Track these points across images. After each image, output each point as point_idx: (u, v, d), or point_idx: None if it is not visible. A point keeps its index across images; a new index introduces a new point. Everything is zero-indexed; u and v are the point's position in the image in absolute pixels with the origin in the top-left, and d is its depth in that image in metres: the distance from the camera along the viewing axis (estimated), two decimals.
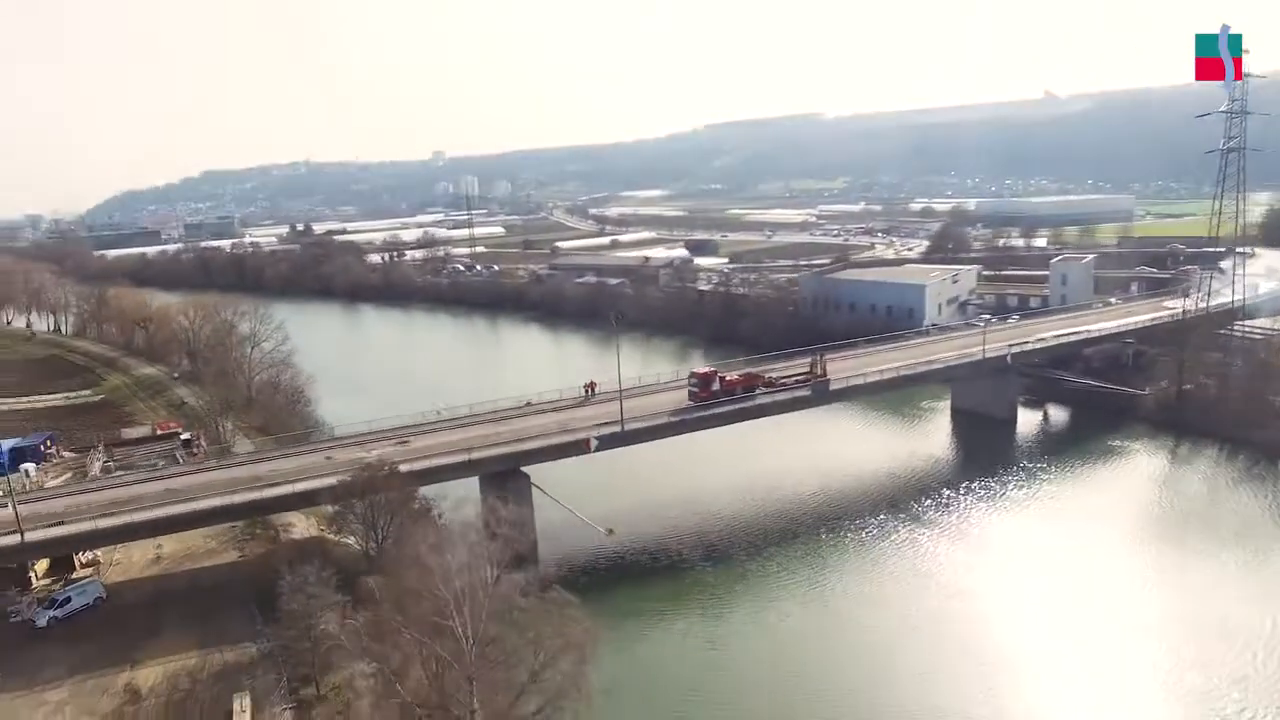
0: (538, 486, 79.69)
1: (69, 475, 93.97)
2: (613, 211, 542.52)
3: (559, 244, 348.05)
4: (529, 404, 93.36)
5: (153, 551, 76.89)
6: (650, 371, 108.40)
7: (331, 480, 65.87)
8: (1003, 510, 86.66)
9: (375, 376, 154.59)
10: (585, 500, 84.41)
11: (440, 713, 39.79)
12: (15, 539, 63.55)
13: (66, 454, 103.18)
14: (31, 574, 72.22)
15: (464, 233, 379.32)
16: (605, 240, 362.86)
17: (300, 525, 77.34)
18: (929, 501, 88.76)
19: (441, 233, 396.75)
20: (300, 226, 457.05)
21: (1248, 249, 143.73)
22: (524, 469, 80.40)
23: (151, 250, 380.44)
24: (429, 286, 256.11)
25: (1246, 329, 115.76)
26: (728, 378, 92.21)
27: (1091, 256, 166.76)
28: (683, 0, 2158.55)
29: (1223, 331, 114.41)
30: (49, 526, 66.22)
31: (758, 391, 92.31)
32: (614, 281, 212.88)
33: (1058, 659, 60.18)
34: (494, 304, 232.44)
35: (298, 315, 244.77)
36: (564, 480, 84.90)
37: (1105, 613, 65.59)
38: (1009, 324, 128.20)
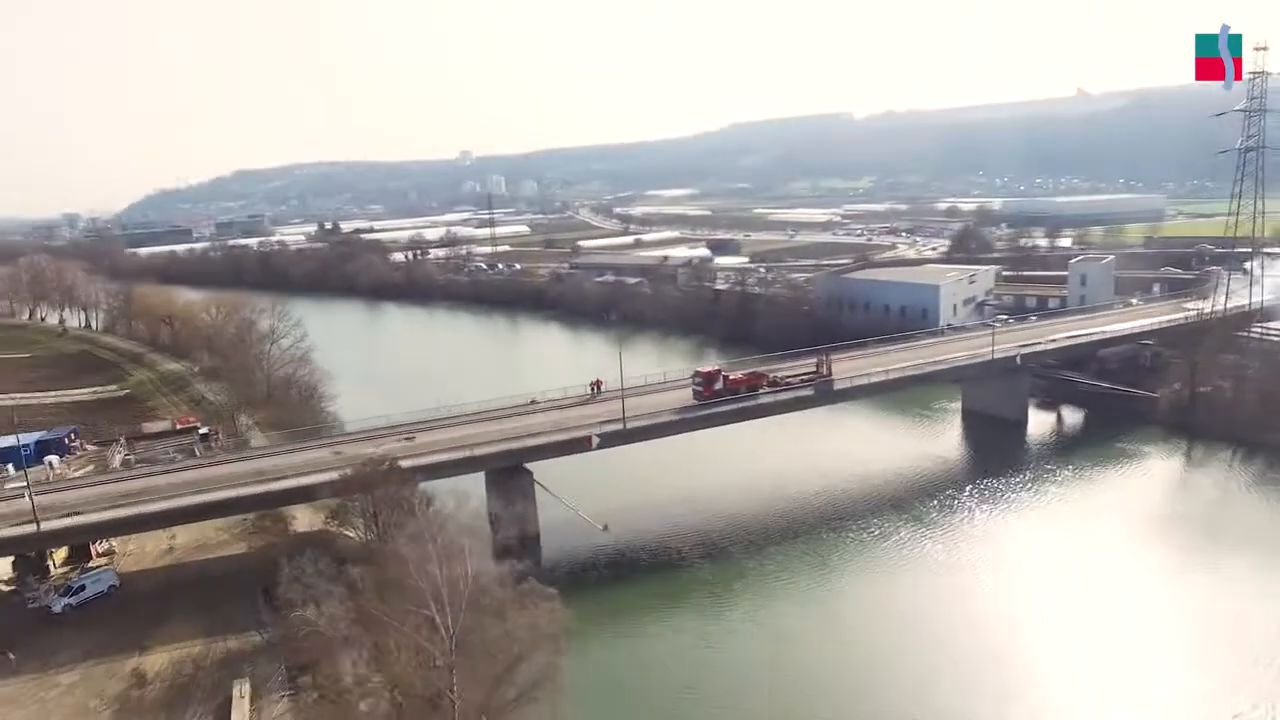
0: (539, 483, 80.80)
1: (91, 467, 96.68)
2: (637, 211, 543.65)
3: (582, 243, 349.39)
4: (534, 401, 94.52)
5: (166, 542, 79.07)
6: (665, 369, 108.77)
7: (333, 475, 67.28)
8: (1007, 512, 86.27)
9: (391, 373, 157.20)
10: (590, 498, 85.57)
11: (421, 700, 40.92)
12: (31, 528, 65.75)
13: (90, 447, 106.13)
14: (50, 562, 74.67)
15: (487, 231, 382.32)
16: (629, 239, 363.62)
17: (307, 518, 78.95)
18: (934, 502, 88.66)
19: (464, 231, 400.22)
20: (328, 225, 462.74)
21: (1278, 250, 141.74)
22: (528, 466, 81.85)
23: (181, 248, 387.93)
24: (450, 285, 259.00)
25: (1265, 331, 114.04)
26: (731, 377, 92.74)
27: (1111, 257, 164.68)
28: (712, 1, 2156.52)
29: (1240, 334, 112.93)
30: (64, 516, 68.50)
31: (762, 391, 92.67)
32: (632, 280, 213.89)
33: (1060, 661, 59.84)
34: (514, 302, 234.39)
35: (322, 313, 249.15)
36: (570, 478, 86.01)
37: (1110, 615, 65.15)
38: (1025, 325, 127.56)
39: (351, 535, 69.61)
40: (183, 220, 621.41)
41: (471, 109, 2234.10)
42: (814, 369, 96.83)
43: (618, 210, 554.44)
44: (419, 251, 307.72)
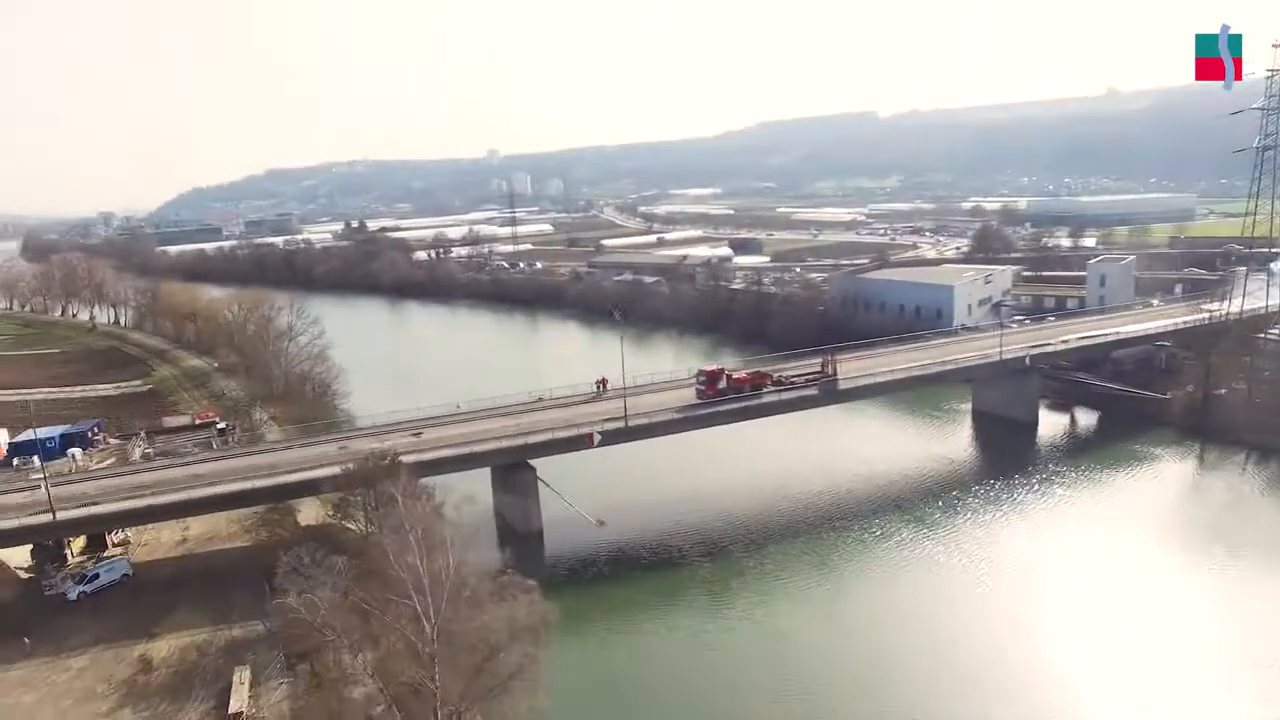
0: (541, 480, 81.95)
1: (112, 460, 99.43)
2: (662, 210, 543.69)
3: (604, 242, 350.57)
4: (540, 399, 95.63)
5: (180, 533, 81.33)
6: (673, 368, 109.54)
7: (335, 470, 68.80)
8: (1012, 514, 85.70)
9: (408, 370, 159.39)
10: (595, 495, 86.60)
11: (407, 689, 42.12)
12: (48, 518, 67.98)
13: (112, 440, 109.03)
14: (68, 551, 77.21)
15: (511, 230, 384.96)
16: (651, 238, 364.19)
17: (314, 512, 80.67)
18: (938, 504, 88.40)
19: (487, 230, 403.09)
20: (355, 224, 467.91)
21: None
22: (531, 462, 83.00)
23: (210, 247, 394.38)
24: (471, 283, 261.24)
25: None
26: (735, 376, 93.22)
27: (1131, 257, 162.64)
28: (740, 1, 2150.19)
29: (1259, 335, 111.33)
30: (79, 507, 70.69)
31: (766, 390, 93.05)
32: (649, 280, 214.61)
33: (1060, 665, 59.21)
34: (534, 301, 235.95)
35: (345, 311, 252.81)
36: (577, 476, 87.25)
37: (1113, 619, 64.48)
38: (1041, 325, 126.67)
39: (353, 528, 71.10)
40: (214, 218, 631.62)
41: (500, 108, 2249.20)
42: (820, 369, 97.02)
43: (642, 209, 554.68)
44: (441, 250, 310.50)
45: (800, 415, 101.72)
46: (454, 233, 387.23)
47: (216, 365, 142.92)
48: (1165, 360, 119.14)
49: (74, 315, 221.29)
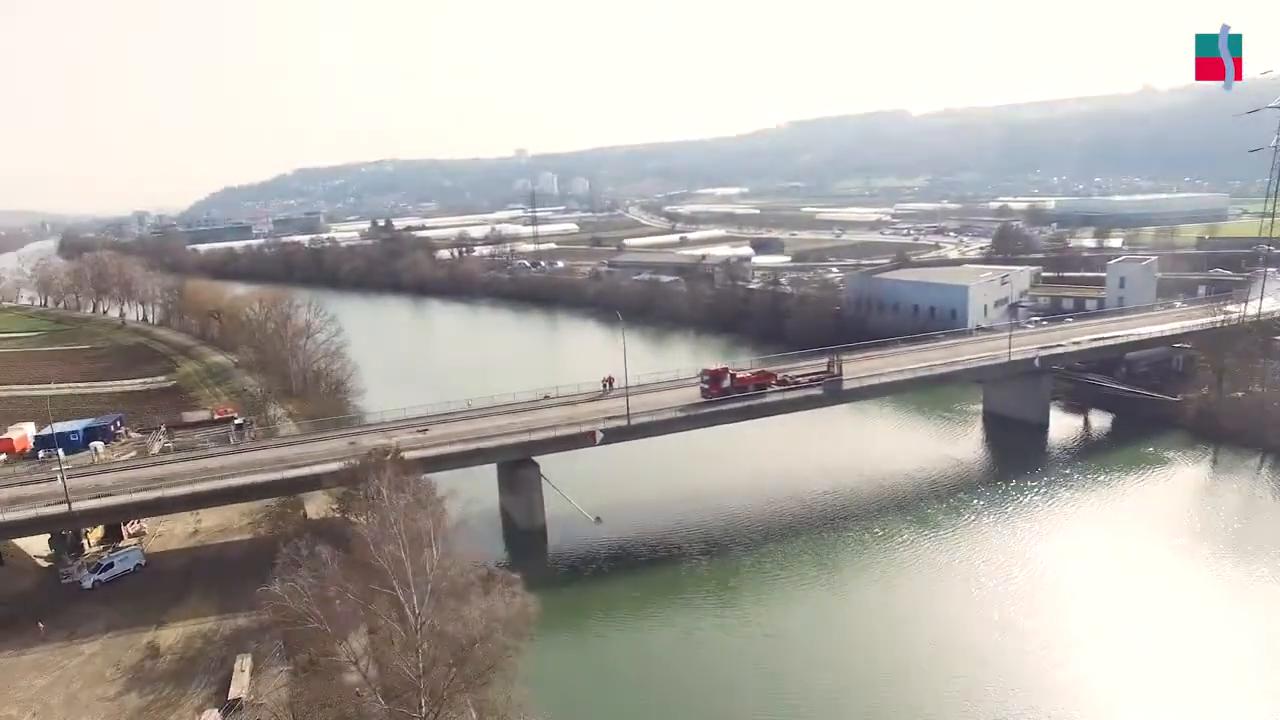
0: (544, 477, 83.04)
1: (133, 453, 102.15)
2: (687, 209, 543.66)
3: (627, 241, 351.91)
4: (547, 396, 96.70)
5: (193, 525, 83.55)
6: (691, 367, 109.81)
7: (338, 465, 70.32)
8: (1016, 516, 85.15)
9: (423, 367, 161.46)
10: (599, 493, 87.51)
11: (393, 677, 43.34)
12: (63, 508, 70.27)
13: (134, 434, 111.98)
14: (85, 541, 79.66)
15: (538, 229, 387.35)
16: (674, 238, 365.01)
17: (323, 505, 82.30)
18: (942, 505, 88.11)
19: (510, 229, 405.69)
20: (381, 222, 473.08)
21: None
22: (536, 460, 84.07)
23: (238, 245, 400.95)
24: (492, 282, 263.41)
25: None
26: (739, 375, 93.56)
27: (1153, 258, 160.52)
28: None
29: (1276, 338, 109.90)
30: (94, 498, 72.92)
31: (770, 390, 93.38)
32: (668, 279, 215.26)
33: (1065, 668, 58.51)
34: (553, 299, 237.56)
35: (368, 308, 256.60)
36: (582, 473, 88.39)
37: (1119, 621, 63.92)
38: (1057, 326, 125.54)
39: (357, 521, 72.49)
40: (244, 217, 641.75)
41: (529, 108, 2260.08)
42: (826, 368, 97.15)
43: (667, 209, 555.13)
44: (463, 249, 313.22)
45: (809, 415, 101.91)
46: (477, 232, 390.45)
47: (237, 362, 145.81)
48: (1182, 362, 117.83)
49: (104, 312, 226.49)
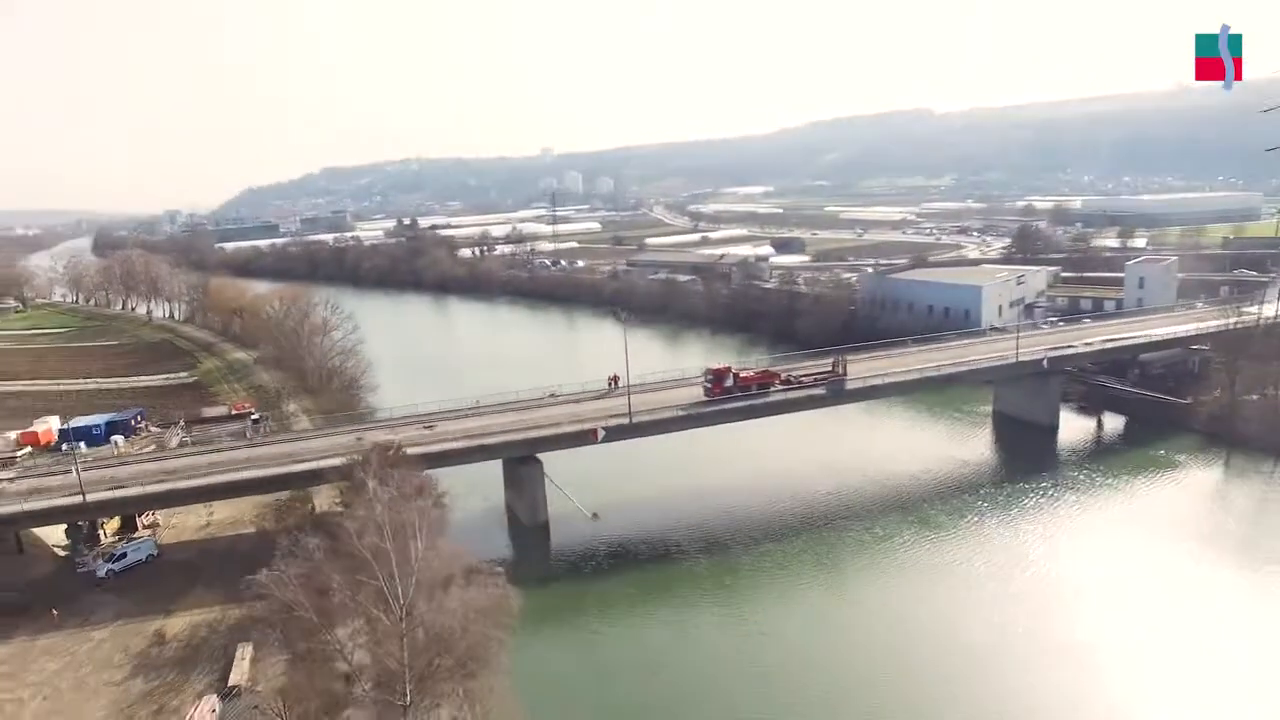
0: (547, 474, 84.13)
1: (153, 447, 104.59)
2: (711, 208, 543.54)
3: (649, 240, 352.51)
4: (553, 394, 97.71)
5: (205, 517, 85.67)
6: (685, 366, 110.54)
7: (340, 460, 71.83)
8: (1019, 518, 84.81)
9: (437, 363, 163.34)
10: (603, 491, 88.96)
11: (379, 665, 44.57)
12: (78, 499, 72.47)
13: (153, 429, 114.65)
14: (101, 532, 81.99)
15: (561, 228, 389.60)
16: (695, 237, 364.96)
17: (329, 499, 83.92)
18: (944, 506, 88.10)
19: (533, 228, 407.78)
20: (406, 221, 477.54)
21: None
22: (541, 457, 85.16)
23: (264, 243, 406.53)
24: (511, 280, 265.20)
25: None
26: (742, 374, 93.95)
27: (1173, 259, 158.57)
28: None
29: None
30: (108, 490, 75.09)
31: (773, 389, 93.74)
32: (684, 278, 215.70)
33: (1056, 674, 58.17)
34: (571, 298, 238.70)
35: (388, 305, 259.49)
36: (588, 472, 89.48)
37: (1119, 623, 63.65)
38: (1073, 327, 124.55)
39: (353, 514, 74.04)
40: (272, 216, 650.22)
41: (555, 107, 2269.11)
42: (831, 368, 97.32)
43: (691, 208, 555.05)
44: (484, 248, 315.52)
45: (817, 415, 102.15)
46: (500, 230, 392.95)
47: (256, 358, 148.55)
48: (1198, 364, 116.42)
49: (132, 309, 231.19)
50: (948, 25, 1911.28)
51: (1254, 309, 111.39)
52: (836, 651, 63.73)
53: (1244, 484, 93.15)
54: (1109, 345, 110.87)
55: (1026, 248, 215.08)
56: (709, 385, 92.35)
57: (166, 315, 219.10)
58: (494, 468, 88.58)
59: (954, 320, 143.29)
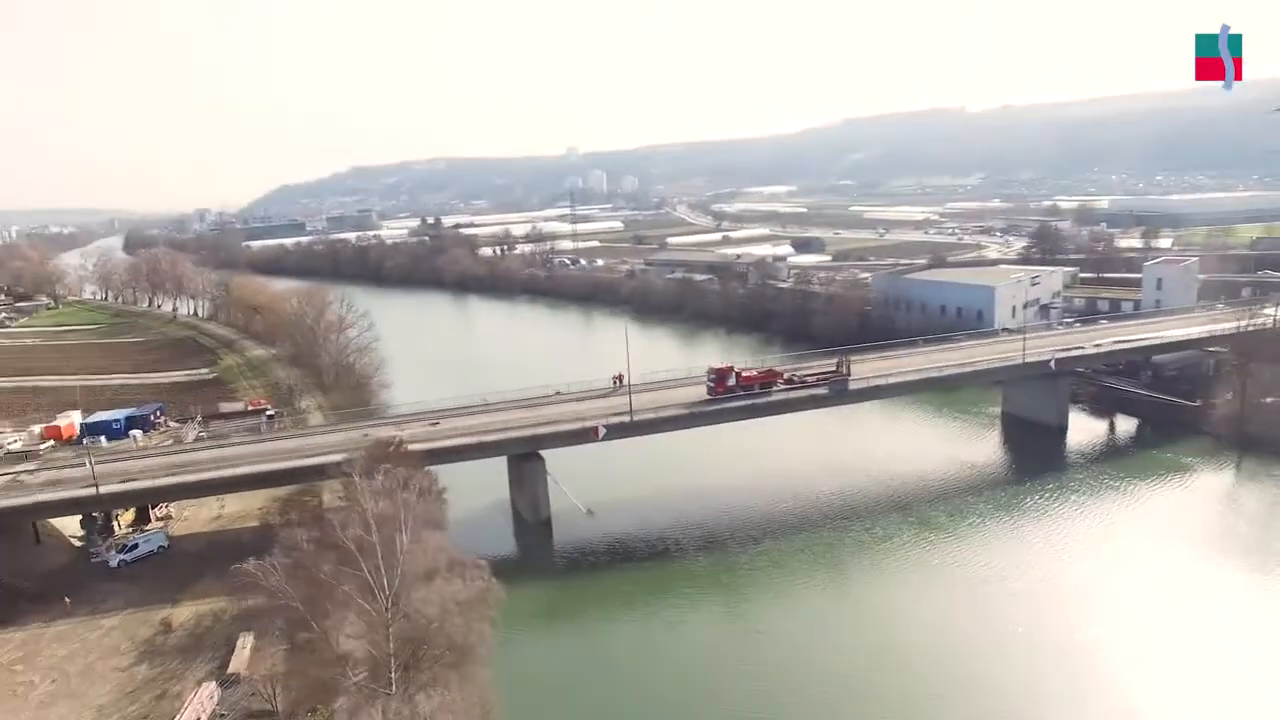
0: (549, 471, 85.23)
1: (170, 441, 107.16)
2: (734, 208, 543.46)
3: (670, 239, 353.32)
4: (558, 393, 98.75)
5: (216, 510, 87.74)
6: (690, 365, 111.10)
7: (343, 455, 73.25)
8: (1021, 520, 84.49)
9: (450, 361, 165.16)
10: (605, 489, 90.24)
11: (367, 655, 45.79)
12: (91, 491, 74.69)
13: (172, 424, 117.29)
14: (116, 523, 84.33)
15: (583, 227, 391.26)
16: (716, 236, 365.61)
17: (337, 493, 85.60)
18: (945, 507, 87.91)
19: (556, 226, 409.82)
20: (430, 220, 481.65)
21: None
22: (542, 453, 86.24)
23: (290, 241, 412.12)
24: (530, 279, 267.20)
25: None
26: (744, 373, 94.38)
27: (1194, 259, 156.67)
28: None
29: None
30: (120, 482, 77.24)
31: (776, 389, 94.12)
32: (701, 278, 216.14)
33: (1050, 679, 57.84)
34: (589, 297, 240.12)
35: (408, 303, 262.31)
36: (592, 470, 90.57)
37: (1114, 629, 63.20)
38: (1088, 328, 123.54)
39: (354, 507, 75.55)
40: (300, 214, 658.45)
41: (581, 106, 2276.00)
42: (835, 368, 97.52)
43: (714, 207, 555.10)
44: (505, 246, 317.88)
45: (825, 416, 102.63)
46: (523, 229, 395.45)
47: (274, 355, 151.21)
48: (1214, 367, 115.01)
49: (159, 307, 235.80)
50: (976, 23, 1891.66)
51: (1271, 310, 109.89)
52: (834, 651, 63.73)
53: (1256, 487, 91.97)
54: (1118, 347, 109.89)
55: (1045, 248, 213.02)
56: (712, 384, 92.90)
57: (191, 312, 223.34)
58: (503, 465, 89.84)
59: (966, 321, 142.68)
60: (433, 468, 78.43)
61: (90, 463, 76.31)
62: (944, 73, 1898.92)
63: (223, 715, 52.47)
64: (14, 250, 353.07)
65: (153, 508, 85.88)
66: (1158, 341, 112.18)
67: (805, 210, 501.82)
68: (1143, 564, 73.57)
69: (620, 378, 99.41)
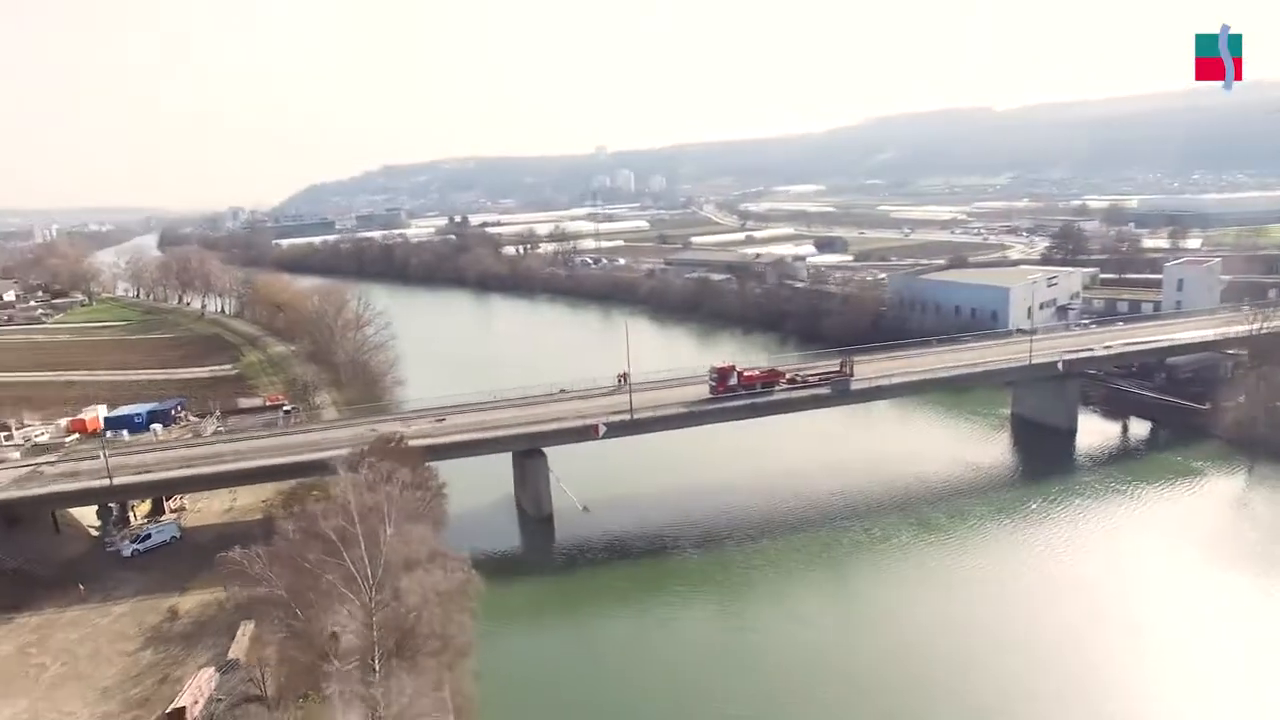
0: (550, 467, 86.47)
1: (190, 435, 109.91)
2: (761, 207, 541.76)
3: (695, 239, 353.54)
4: (563, 390, 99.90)
5: (228, 502, 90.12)
6: (693, 364, 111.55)
7: (345, 451, 75.03)
8: (1022, 522, 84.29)
9: (465, 358, 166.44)
10: (607, 487, 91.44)
11: (354, 643, 47.30)
12: (105, 482, 77.21)
13: (192, 418, 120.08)
14: (131, 514, 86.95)
15: (609, 226, 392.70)
16: (740, 236, 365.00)
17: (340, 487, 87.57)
18: (945, 508, 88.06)
19: (580, 225, 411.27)
20: (458, 219, 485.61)
21: None
22: (546, 451, 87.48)
23: (318, 240, 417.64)
24: (551, 278, 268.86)
25: None
26: (746, 373, 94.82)
27: (1216, 260, 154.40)
28: None
29: None
30: (133, 474, 79.72)
31: (778, 388, 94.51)
32: (718, 278, 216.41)
33: (1044, 682, 57.90)
34: (608, 296, 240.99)
35: (430, 301, 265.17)
36: (595, 468, 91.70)
37: (1114, 630, 63.12)
38: (1103, 330, 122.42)
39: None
40: (330, 213, 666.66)
41: (610, 104, 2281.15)
42: (839, 368, 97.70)
43: (741, 206, 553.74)
44: (528, 245, 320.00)
45: (832, 417, 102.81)
46: (548, 228, 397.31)
47: (295, 351, 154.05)
48: (1230, 369, 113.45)
49: (188, 304, 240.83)
50: (1007, 21, 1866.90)
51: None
52: (827, 650, 64.31)
53: (1267, 492, 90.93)
54: (1127, 349, 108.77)
55: (1068, 248, 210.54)
56: (714, 383, 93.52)
57: (218, 309, 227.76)
58: (511, 462, 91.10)
59: (981, 322, 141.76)
60: (439, 463, 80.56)
61: (105, 455, 78.72)
62: (971, 72, 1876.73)
63: (219, 699, 54.28)
64: (52, 248, 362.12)
65: (167, 500, 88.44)
66: (1168, 344, 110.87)
67: (833, 210, 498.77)
68: (1147, 568, 73.17)
69: (625, 376, 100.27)
